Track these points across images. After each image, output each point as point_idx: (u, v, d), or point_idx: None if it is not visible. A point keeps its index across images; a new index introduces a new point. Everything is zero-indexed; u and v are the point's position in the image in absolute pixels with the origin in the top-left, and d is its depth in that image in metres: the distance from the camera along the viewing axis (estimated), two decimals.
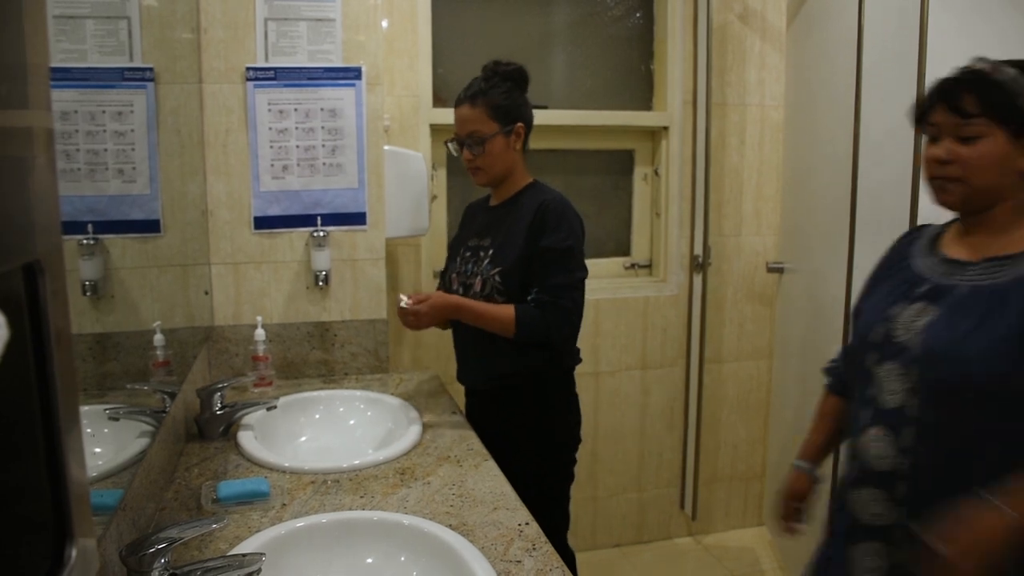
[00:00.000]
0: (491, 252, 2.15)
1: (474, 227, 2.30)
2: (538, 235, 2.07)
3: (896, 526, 1.40)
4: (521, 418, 2.15)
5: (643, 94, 3.31)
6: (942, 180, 1.42)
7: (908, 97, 2.13)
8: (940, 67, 2.09)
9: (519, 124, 2.14)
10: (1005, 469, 1.27)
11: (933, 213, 2.14)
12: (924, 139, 1.47)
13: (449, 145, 2.21)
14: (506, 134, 2.13)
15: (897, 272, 1.54)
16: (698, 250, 3.17)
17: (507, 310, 2.05)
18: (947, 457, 1.35)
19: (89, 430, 1.36)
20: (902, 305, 1.45)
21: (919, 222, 2.15)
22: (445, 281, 2.30)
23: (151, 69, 1.80)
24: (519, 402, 2.16)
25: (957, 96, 1.39)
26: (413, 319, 2.06)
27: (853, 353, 1.57)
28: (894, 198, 2.21)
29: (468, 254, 2.23)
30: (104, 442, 1.38)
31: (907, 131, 2.14)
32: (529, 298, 2.06)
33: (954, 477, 1.34)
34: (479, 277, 2.15)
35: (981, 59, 1.41)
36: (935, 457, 1.36)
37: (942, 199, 1.44)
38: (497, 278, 2.10)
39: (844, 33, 2.47)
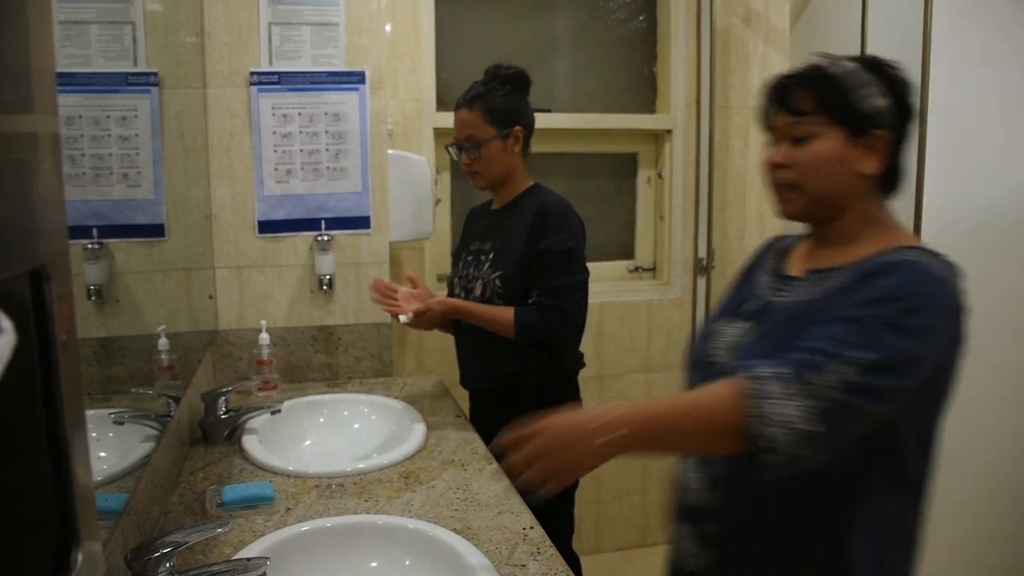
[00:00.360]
0: (491, 256, 2.15)
1: (476, 231, 2.29)
2: (538, 237, 2.07)
3: (709, 571, 1.28)
4: (524, 419, 2.15)
5: (646, 97, 3.31)
6: (779, 187, 1.29)
7: (914, 98, 2.13)
8: (943, 69, 2.10)
9: (517, 128, 2.13)
10: (817, 512, 1.19)
11: (941, 211, 2.14)
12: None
13: (449, 149, 2.21)
14: (503, 138, 2.13)
15: (742, 285, 1.43)
16: (702, 253, 3.16)
17: (507, 313, 2.05)
18: (755, 496, 1.23)
19: (94, 434, 1.36)
20: (726, 322, 1.35)
21: (924, 221, 2.15)
22: (449, 286, 2.30)
23: (155, 74, 1.81)
24: (522, 403, 2.15)
25: (791, 93, 1.26)
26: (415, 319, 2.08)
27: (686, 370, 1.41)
28: (898, 200, 2.20)
29: (470, 258, 2.23)
30: (109, 446, 1.38)
31: (912, 132, 2.14)
32: (530, 300, 2.06)
33: (763, 520, 1.23)
34: (480, 281, 2.15)
35: (822, 54, 1.28)
36: (743, 496, 1.24)
37: (783, 209, 1.30)
38: (497, 282, 2.10)
39: (847, 35, 2.47)
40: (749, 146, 3.23)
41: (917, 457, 1.20)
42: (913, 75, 2.10)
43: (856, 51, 2.40)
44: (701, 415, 1.12)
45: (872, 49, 2.37)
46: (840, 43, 2.56)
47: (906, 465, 1.19)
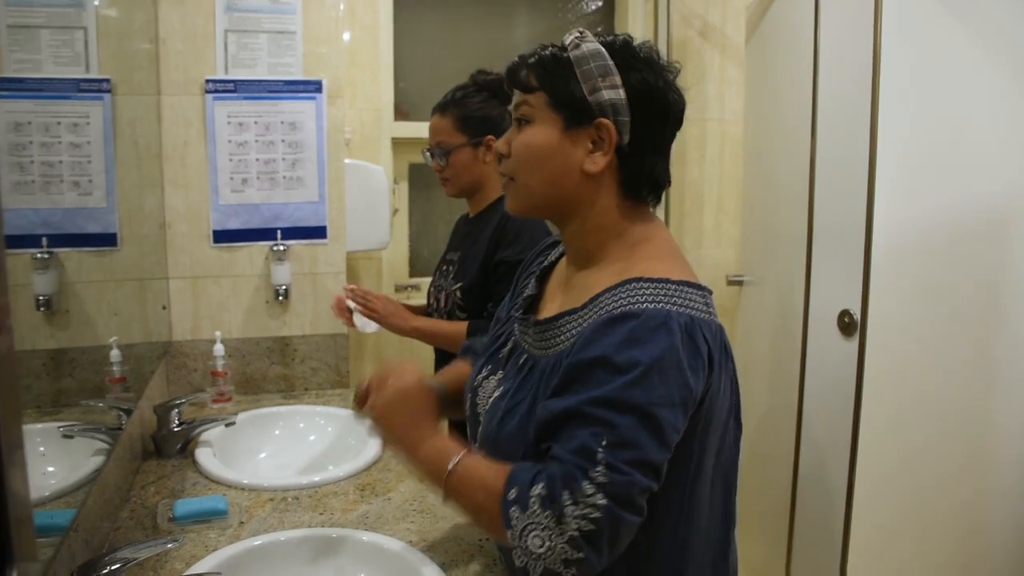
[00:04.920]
0: (456, 267, 2.16)
1: (454, 241, 2.30)
2: (496, 248, 2.06)
3: None
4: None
5: None
6: (502, 178, 1.17)
7: (864, 111, 2.17)
8: (894, 80, 2.14)
9: (489, 137, 2.09)
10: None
11: (891, 219, 2.18)
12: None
13: (424, 153, 2.19)
14: (473, 146, 2.10)
15: (510, 302, 1.33)
16: None
17: (459, 327, 2.04)
18: None
19: (42, 448, 1.33)
20: (488, 370, 1.25)
21: (875, 234, 2.19)
22: (428, 297, 2.31)
23: (108, 80, 1.78)
24: None
25: (522, 68, 1.14)
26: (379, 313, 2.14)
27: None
28: (850, 209, 2.25)
29: (444, 267, 2.24)
30: (57, 460, 1.35)
31: (862, 144, 2.18)
32: (485, 314, 2.05)
33: None
34: (444, 292, 2.15)
35: (578, 30, 1.14)
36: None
37: (507, 205, 1.18)
38: (458, 293, 2.10)
39: (801, 48, 2.50)
40: (706, 157, 3.26)
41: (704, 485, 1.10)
42: (863, 85, 2.16)
43: (810, 64, 2.44)
44: (469, 498, 1.07)
45: (825, 61, 2.41)
46: (794, 56, 2.60)
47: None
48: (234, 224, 2.41)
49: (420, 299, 2.51)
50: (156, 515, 1.57)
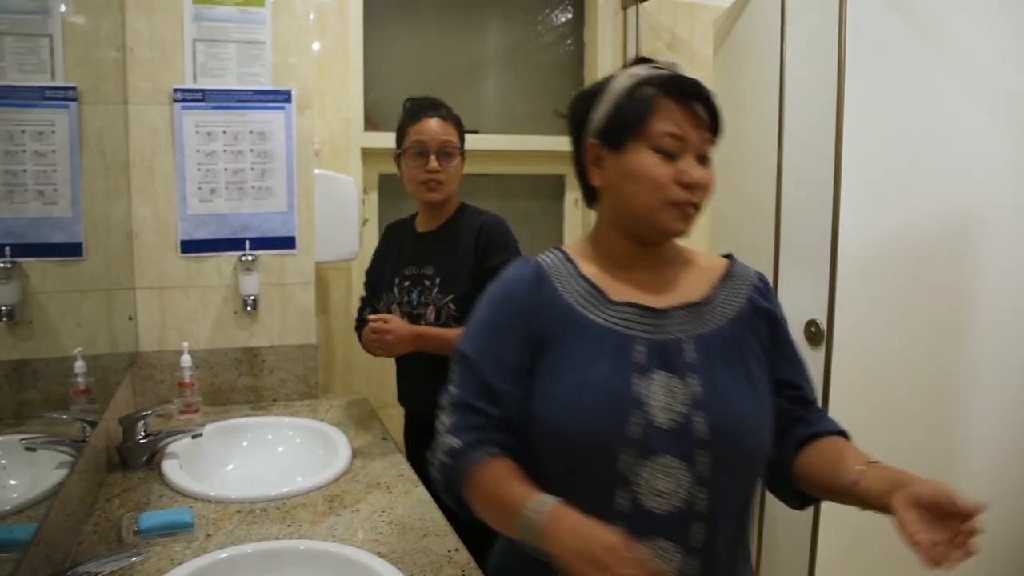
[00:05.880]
0: (438, 280, 2.15)
1: (405, 253, 2.27)
2: (485, 256, 2.10)
3: None
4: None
5: None
6: (692, 210, 1.21)
7: (829, 125, 2.20)
8: (858, 95, 2.17)
9: (464, 152, 2.21)
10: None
11: (857, 235, 2.21)
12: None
13: (418, 153, 2.15)
14: (462, 156, 2.20)
15: (566, 323, 1.22)
16: None
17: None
18: (736, 496, 1.20)
19: (3, 461, 1.32)
20: (641, 378, 1.15)
21: (840, 246, 2.22)
22: (382, 311, 2.25)
23: (74, 88, 1.76)
24: None
25: (717, 110, 1.26)
26: (385, 345, 2.08)
27: (561, 447, 1.18)
28: (816, 221, 2.27)
29: (407, 283, 2.21)
30: (19, 474, 1.33)
31: (828, 157, 2.21)
32: None
33: (738, 516, 1.21)
34: (431, 307, 2.14)
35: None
36: (725, 542, 1.19)
37: (687, 230, 1.22)
38: (451, 305, 2.11)
39: (768, 62, 2.53)
40: None
41: None
42: (828, 99, 2.19)
43: (776, 77, 2.47)
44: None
45: (791, 76, 2.44)
46: (760, 70, 2.63)
47: None
48: (202, 234, 2.39)
49: None
50: (121, 528, 1.55)
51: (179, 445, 1.96)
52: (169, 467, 1.85)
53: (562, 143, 3.24)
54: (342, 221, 2.64)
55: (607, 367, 1.16)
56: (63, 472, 1.46)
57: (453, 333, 2.08)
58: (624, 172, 1.21)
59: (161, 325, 2.39)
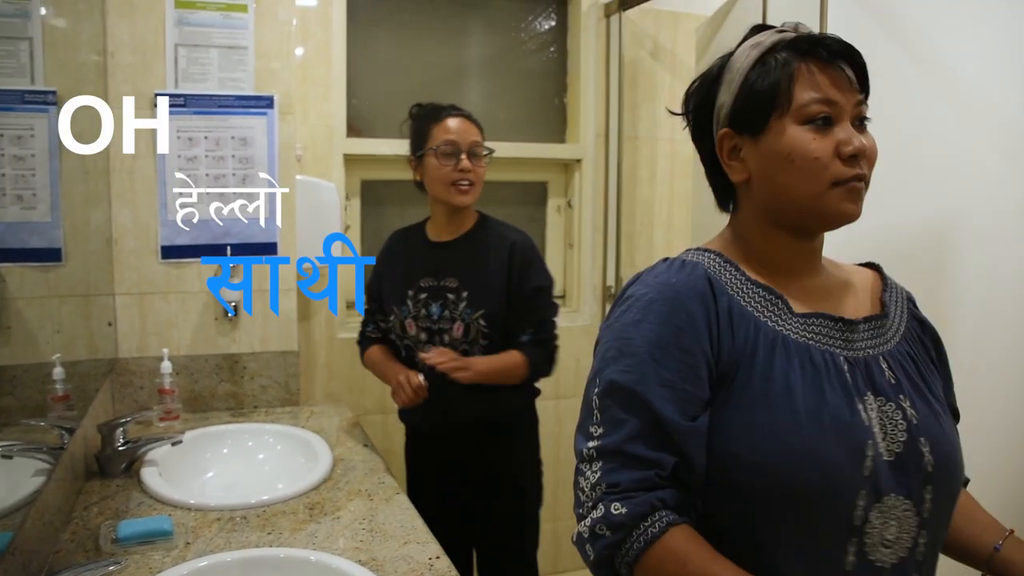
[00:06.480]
0: (466, 295, 2.09)
1: (419, 264, 2.19)
2: (525, 275, 2.08)
3: None
4: (518, 446, 2.24)
5: (556, 127, 3.35)
6: (862, 184, 1.04)
7: None
8: None
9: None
10: None
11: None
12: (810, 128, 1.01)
13: (450, 154, 2.11)
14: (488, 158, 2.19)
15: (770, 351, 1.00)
16: (610, 281, 3.21)
17: (516, 357, 2.06)
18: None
19: None
20: (862, 403, 0.98)
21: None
22: (393, 326, 2.21)
23: (54, 92, 1.75)
24: (510, 431, 2.21)
25: (862, 62, 1.06)
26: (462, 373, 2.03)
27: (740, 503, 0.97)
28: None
29: (424, 296, 2.14)
30: None
31: None
32: (526, 339, 2.08)
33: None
34: (458, 322, 2.09)
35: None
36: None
37: (858, 211, 1.05)
38: (481, 321, 2.07)
39: None
40: (656, 176, 3.30)
41: None
42: None
43: None
44: None
45: None
46: None
47: None
48: (183, 240, 2.37)
49: None
50: (99, 537, 1.54)
51: (158, 452, 1.94)
52: (148, 475, 1.84)
53: (545, 150, 3.28)
54: (324, 227, 2.63)
55: (821, 391, 0.97)
56: (40, 480, 1.45)
57: (502, 362, 2.07)
58: (772, 157, 1.02)
59: (141, 331, 2.37)
